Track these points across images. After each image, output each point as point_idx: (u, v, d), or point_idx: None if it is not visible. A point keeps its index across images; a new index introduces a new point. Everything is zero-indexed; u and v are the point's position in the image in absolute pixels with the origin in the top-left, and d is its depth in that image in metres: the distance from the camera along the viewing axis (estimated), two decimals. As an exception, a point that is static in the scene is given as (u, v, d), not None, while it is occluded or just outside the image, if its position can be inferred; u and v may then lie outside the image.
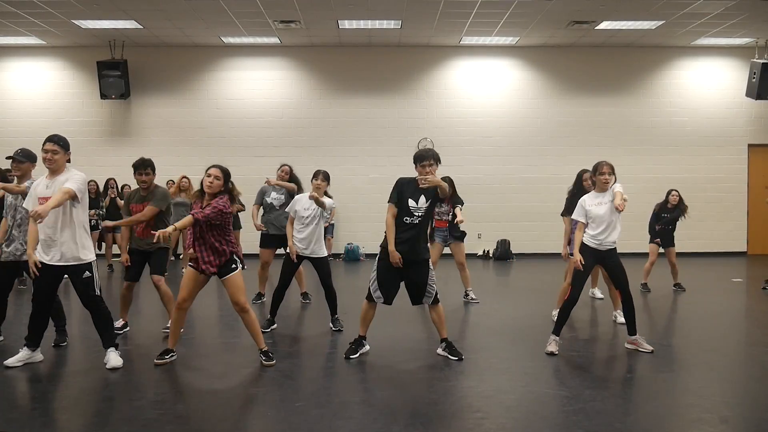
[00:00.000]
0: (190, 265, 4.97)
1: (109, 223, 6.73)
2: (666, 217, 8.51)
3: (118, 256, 9.88)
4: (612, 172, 5.38)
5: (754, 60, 11.88)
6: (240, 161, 11.97)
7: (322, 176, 6.27)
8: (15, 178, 5.60)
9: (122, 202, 7.39)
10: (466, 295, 7.80)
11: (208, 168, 4.93)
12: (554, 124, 12.99)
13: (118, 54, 12.30)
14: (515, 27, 11.44)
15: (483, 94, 13.00)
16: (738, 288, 9.29)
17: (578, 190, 6.66)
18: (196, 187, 5.93)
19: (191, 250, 4.92)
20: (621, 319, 6.18)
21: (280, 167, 7.69)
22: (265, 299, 7.56)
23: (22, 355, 4.93)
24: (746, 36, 12.01)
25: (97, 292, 4.87)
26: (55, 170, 4.73)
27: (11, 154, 5.40)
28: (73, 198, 4.63)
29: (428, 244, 5.34)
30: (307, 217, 6.16)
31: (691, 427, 3.84)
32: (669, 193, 8.58)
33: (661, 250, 8.58)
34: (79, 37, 11.91)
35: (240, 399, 4.36)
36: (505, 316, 7.02)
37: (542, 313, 6.96)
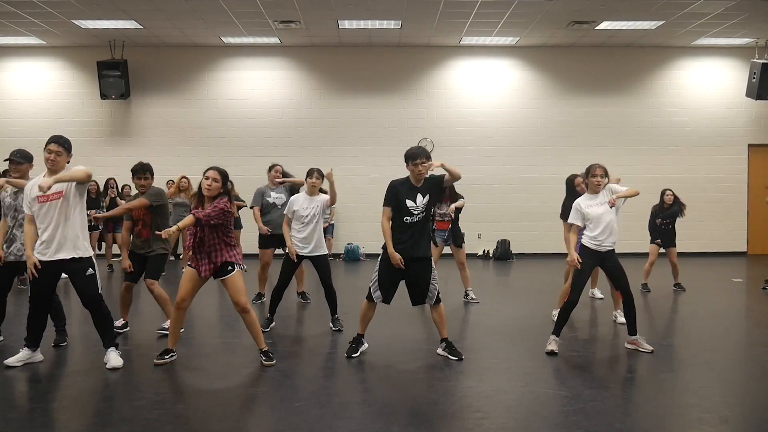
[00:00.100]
0: (189, 265, 4.96)
1: (99, 215, 6.66)
2: (666, 215, 8.47)
3: (117, 256, 9.90)
4: (605, 174, 5.38)
5: (754, 60, 11.88)
6: (240, 161, 11.98)
7: (317, 174, 6.25)
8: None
9: (122, 202, 7.40)
10: (466, 295, 7.81)
11: (206, 170, 4.91)
12: (554, 124, 12.99)
13: (118, 54, 12.30)
14: (515, 27, 11.43)
15: (483, 94, 13.00)
16: (738, 288, 9.29)
17: (571, 194, 6.68)
18: (195, 187, 5.93)
19: (191, 251, 4.92)
20: (621, 319, 6.19)
21: (273, 167, 7.60)
22: (265, 299, 7.55)
23: (22, 355, 4.93)
24: (746, 36, 12.01)
25: (100, 290, 4.88)
26: (55, 171, 4.72)
27: (8, 157, 5.39)
28: (84, 182, 4.66)
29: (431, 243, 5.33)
30: (307, 216, 6.15)
31: (691, 427, 3.84)
32: (663, 193, 8.58)
33: (662, 250, 8.57)
34: (79, 37, 11.91)
35: (240, 399, 4.36)
36: (505, 316, 7.02)
37: (542, 313, 6.96)
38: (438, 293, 5.15)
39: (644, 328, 6.04)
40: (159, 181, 6.19)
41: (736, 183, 13.15)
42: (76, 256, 4.74)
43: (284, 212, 6.39)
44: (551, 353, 5.26)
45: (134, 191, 6.19)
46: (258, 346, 5.03)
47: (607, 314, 6.89)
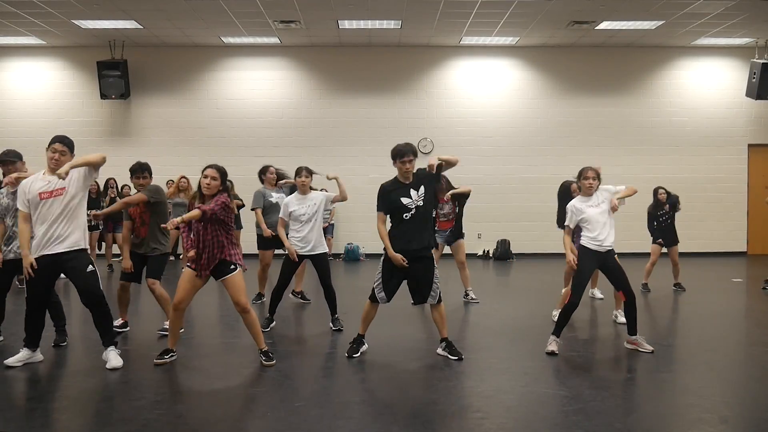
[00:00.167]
0: (188, 266, 4.95)
1: (99, 212, 6.61)
2: (664, 211, 8.46)
3: (117, 256, 9.89)
4: (597, 177, 5.39)
5: (754, 60, 11.88)
6: (240, 161, 11.96)
7: (306, 172, 6.22)
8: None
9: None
10: (466, 295, 7.81)
11: (204, 169, 4.91)
12: (554, 124, 12.99)
13: (118, 54, 12.30)
14: (515, 27, 11.44)
15: (483, 94, 13.00)
16: (738, 288, 9.29)
17: (565, 201, 6.68)
18: (195, 187, 5.94)
19: (192, 252, 4.89)
20: (622, 318, 6.19)
21: (267, 170, 7.48)
22: (265, 299, 7.55)
23: (22, 355, 4.93)
24: (746, 36, 12.01)
25: (101, 288, 4.88)
26: (56, 170, 4.73)
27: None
28: (99, 165, 4.74)
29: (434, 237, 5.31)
30: (304, 215, 6.14)
31: (691, 427, 3.84)
32: (656, 192, 8.53)
33: (664, 249, 8.55)
34: (79, 37, 11.91)
35: (240, 399, 4.36)
36: (505, 316, 7.02)
37: (542, 313, 6.96)
38: (440, 293, 5.16)
39: (644, 328, 6.03)
40: (159, 181, 6.19)
41: (736, 183, 13.15)
42: (76, 248, 4.74)
43: (280, 215, 6.36)
44: (551, 353, 5.26)
45: (134, 191, 6.19)
46: (258, 346, 5.03)
47: (607, 314, 6.89)
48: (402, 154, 5.03)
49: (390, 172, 5.21)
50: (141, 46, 12.47)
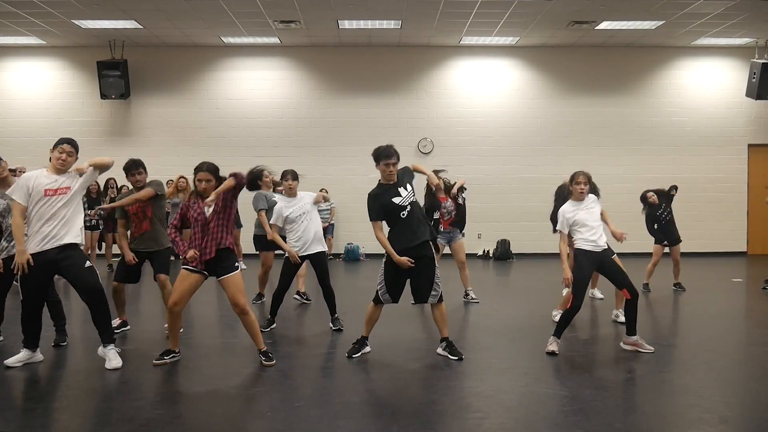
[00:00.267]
0: (184, 268, 4.90)
1: (106, 206, 6.58)
2: (662, 209, 8.42)
3: (118, 255, 9.88)
4: (588, 182, 5.39)
5: (754, 60, 11.88)
6: (240, 161, 11.80)
7: (291, 176, 6.28)
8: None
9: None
10: (466, 294, 7.81)
11: (196, 173, 4.88)
12: (554, 124, 12.99)
13: (118, 54, 12.30)
14: (515, 27, 11.44)
15: (483, 94, 13.00)
16: (738, 288, 9.29)
17: (562, 203, 6.67)
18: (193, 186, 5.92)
19: (191, 252, 4.83)
20: (622, 318, 6.17)
21: (262, 174, 7.40)
22: (264, 299, 7.56)
23: (22, 355, 4.93)
24: (746, 36, 12.01)
25: (101, 284, 4.88)
26: (63, 171, 4.78)
27: None
28: (108, 167, 4.92)
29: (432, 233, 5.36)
30: (297, 215, 6.17)
31: (691, 427, 3.84)
32: (645, 198, 8.33)
33: (666, 250, 8.52)
34: (79, 37, 11.91)
35: (240, 399, 4.36)
36: (505, 316, 7.02)
37: (542, 313, 6.96)
38: (441, 292, 5.16)
39: (644, 328, 6.03)
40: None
41: (736, 183, 13.15)
42: (71, 242, 4.74)
43: (271, 221, 6.35)
44: (551, 353, 5.26)
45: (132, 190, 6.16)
46: (257, 346, 5.03)
47: (607, 314, 6.88)
48: (387, 155, 5.03)
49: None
50: (141, 46, 12.47)
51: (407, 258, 4.95)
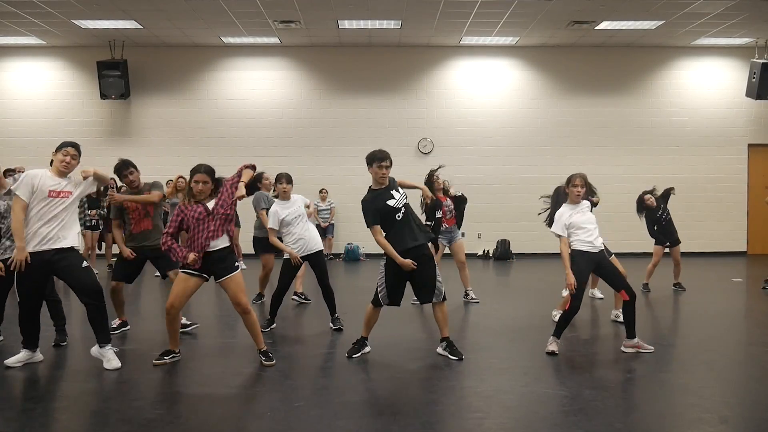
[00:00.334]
0: (183, 271, 4.87)
1: (118, 196, 6.33)
2: (661, 210, 8.41)
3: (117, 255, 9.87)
4: (584, 185, 5.38)
5: (754, 60, 11.88)
6: (240, 161, 11.75)
7: (285, 179, 6.31)
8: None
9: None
10: (466, 294, 7.81)
11: (193, 175, 4.87)
12: (554, 124, 12.99)
13: (118, 54, 12.30)
14: (515, 27, 11.44)
15: (483, 94, 13.00)
16: (738, 288, 9.29)
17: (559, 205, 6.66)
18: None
19: (192, 256, 4.76)
20: (622, 318, 6.16)
21: (262, 175, 7.36)
22: (264, 299, 7.56)
23: (22, 355, 4.93)
24: (746, 36, 12.01)
25: (99, 284, 4.88)
26: (66, 173, 4.80)
27: None
28: (106, 183, 5.29)
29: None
30: (293, 219, 6.21)
31: (691, 427, 3.84)
32: (642, 201, 8.27)
33: (667, 250, 8.51)
34: (79, 37, 11.91)
35: (240, 399, 4.36)
36: (505, 316, 7.02)
37: (542, 313, 6.96)
38: (444, 291, 5.16)
39: (644, 328, 6.03)
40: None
41: (736, 183, 13.15)
42: (66, 246, 4.74)
43: (269, 225, 6.33)
44: (551, 353, 5.25)
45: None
46: (257, 346, 5.02)
47: (607, 314, 6.88)
48: (381, 158, 5.12)
49: (389, 172, 5.23)
50: (141, 46, 12.47)
51: (411, 261, 4.95)
